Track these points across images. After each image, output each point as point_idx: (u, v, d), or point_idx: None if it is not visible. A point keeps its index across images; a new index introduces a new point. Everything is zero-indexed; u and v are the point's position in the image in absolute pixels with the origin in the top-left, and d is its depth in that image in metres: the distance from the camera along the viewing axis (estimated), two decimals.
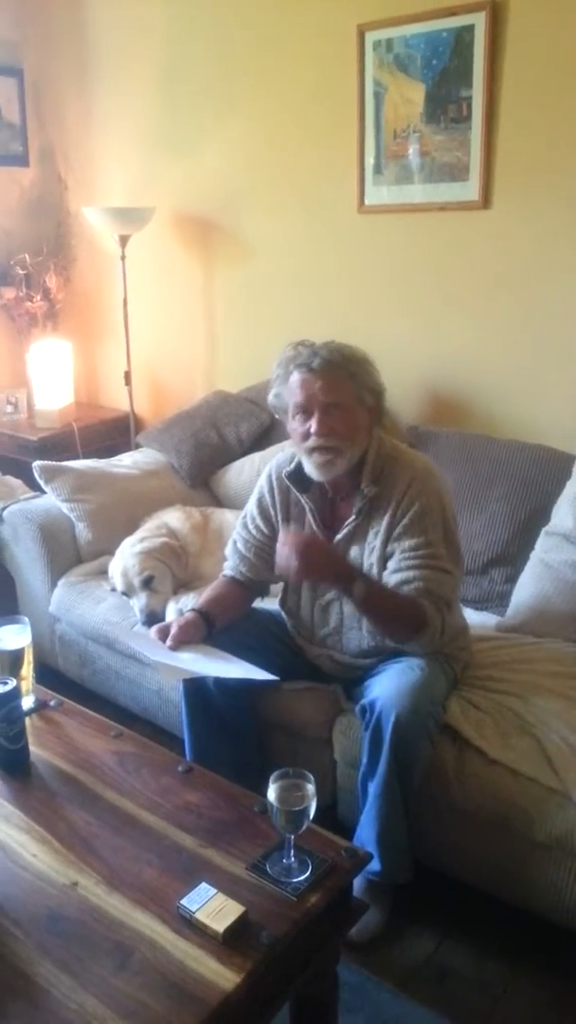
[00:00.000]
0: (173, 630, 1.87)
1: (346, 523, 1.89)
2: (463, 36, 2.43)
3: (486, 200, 2.51)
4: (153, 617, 2.33)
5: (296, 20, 2.80)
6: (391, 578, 1.81)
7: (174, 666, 1.84)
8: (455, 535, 1.88)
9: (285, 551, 1.74)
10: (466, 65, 2.44)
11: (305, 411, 1.82)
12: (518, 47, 2.36)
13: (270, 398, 1.93)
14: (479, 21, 2.38)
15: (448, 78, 2.49)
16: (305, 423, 1.82)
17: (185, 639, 1.88)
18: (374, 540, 1.85)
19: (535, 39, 2.33)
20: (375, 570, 1.85)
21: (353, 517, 1.87)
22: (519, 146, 2.43)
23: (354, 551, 1.90)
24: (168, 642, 1.86)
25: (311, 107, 2.84)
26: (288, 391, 1.85)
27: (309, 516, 1.95)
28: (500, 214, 2.51)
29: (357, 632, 1.93)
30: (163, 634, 1.89)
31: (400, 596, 1.78)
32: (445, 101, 2.52)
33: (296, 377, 1.82)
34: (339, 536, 1.91)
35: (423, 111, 2.57)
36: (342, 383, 1.80)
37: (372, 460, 1.86)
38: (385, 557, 1.84)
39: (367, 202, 2.78)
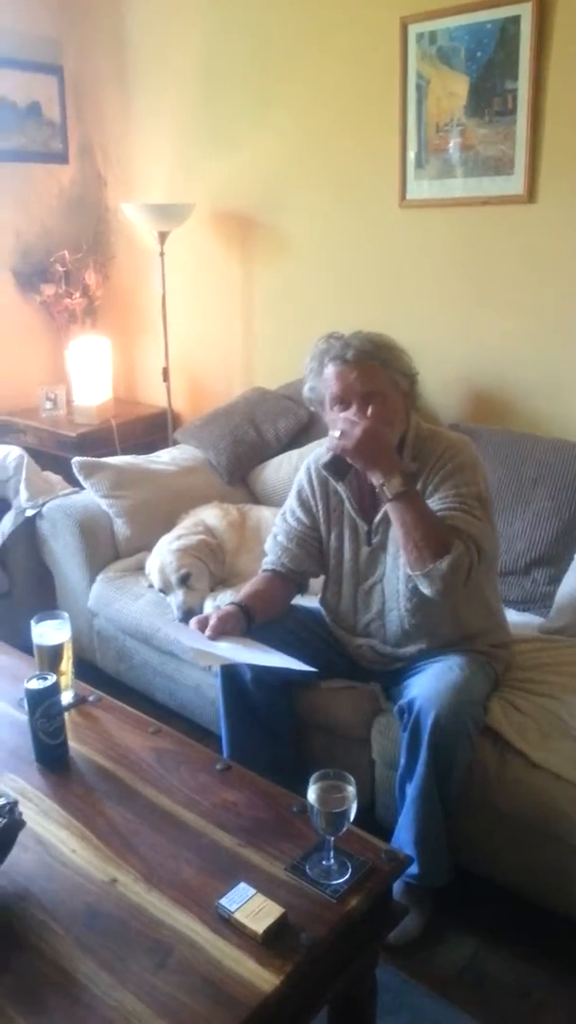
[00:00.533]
0: (212, 620, 1.87)
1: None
2: (508, 28, 2.39)
3: (531, 194, 2.47)
4: (190, 614, 2.33)
5: (338, 12, 2.77)
6: None
7: (210, 652, 1.83)
8: (488, 500, 1.86)
9: (353, 421, 1.73)
10: (511, 57, 2.40)
11: (343, 402, 1.84)
12: (565, 38, 2.32)
13: (305, 391, 1.95)
14: (525, 12, 2.34)
15: (493, 71, 2.45)
16: (344, 413, 1.83)
17: (224, 630, 1.87)
18: None
19: None
20: None
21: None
22: (566, 139, 2.38)
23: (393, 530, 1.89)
24: (207, 632, 1.86)
25: (352, 100, 2.82)
26: (324, 383, 1.87)
27: (347, 503, 1.96)
28: (545, 208, 2.47)
29: (398, 613, 1.92)
30: (202, 625, 1.89)
31: (434, 514, 1.76)
32: (489, 94, 2.48)
33: (331, 369, 1.85)
34: (378, 517, 1.91)
35: (466, 104, 2.53)
36: (376, 371, 1.83)
37: (411, 442, 1.88)
38: None
39: (408, 196, 2.75)
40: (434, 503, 1.80)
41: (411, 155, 2.69)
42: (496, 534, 1.94)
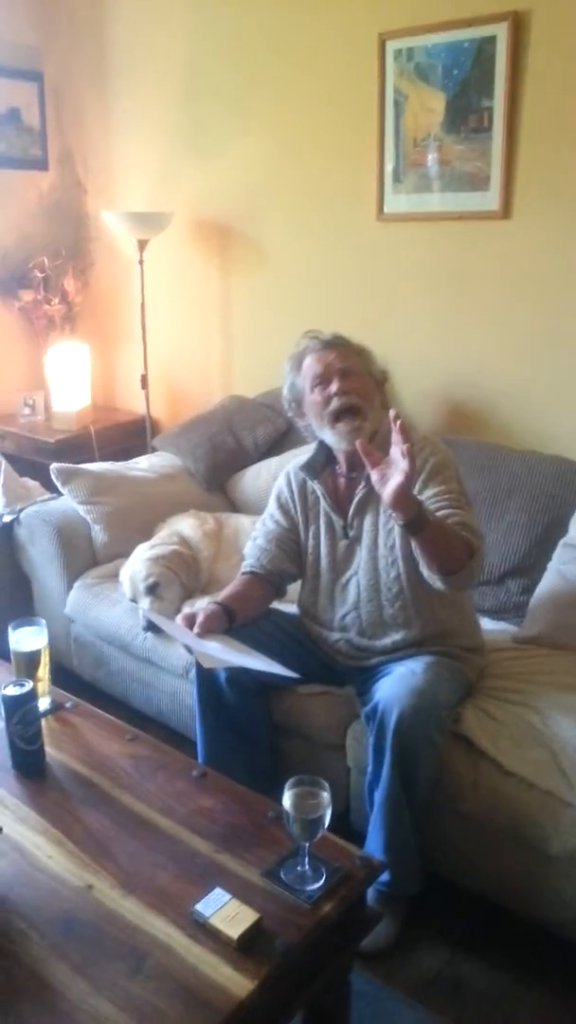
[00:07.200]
0: (200, 618, 1.89)
1: (356, 491, 1.95)
2: (485, 46, 2.43)
3: (506, 210, 2.51)
4: (153, 624, 2.32)
5: (317, 28, 2.81)
6: None
7: (206, 652, 1.84)
8: (469, 494, 1.94)
9: (403, 465, 1.62)
10: (487, 75, 2.44)
11: (324, 380, 1.94)
12: (540, 58, 2.36)
13: (284, 392, 2.02)
14: (501, 32, 2.38)
15: (469, 88, 2.49)
16: (325, 391, 1.92)
17: (210, 628, 1.89)
18: None
19: (558, 50, 2.33)
20: (394, 535, 1.89)
21: (363, 484, 1.90)
22: (540, 157, 2.43)
23: (368, 521, 1.94)
24: (196, 629, 1.87)
25: (331, 114, 2.85)
26: (303, 375, 1.98)
27: (323, 501, 2.02)
28: (520, 224, 2.51)
29: (376, 603, 1.95)
30: (189, 622, 1.90)
31: (448, 524, 1.77)
32: (466, 111, 2.52)
33: (310, 358, 1.97)
34: (351, 509, 1.96)
35: (443, 120, 2.57)
36: (352, 355, 1.98)
37: (383, 432, 1.93)
38: None
39: (386, 210, 2.78)
40: (427, 502, 1.82)
41: (388, 169, 2.73)
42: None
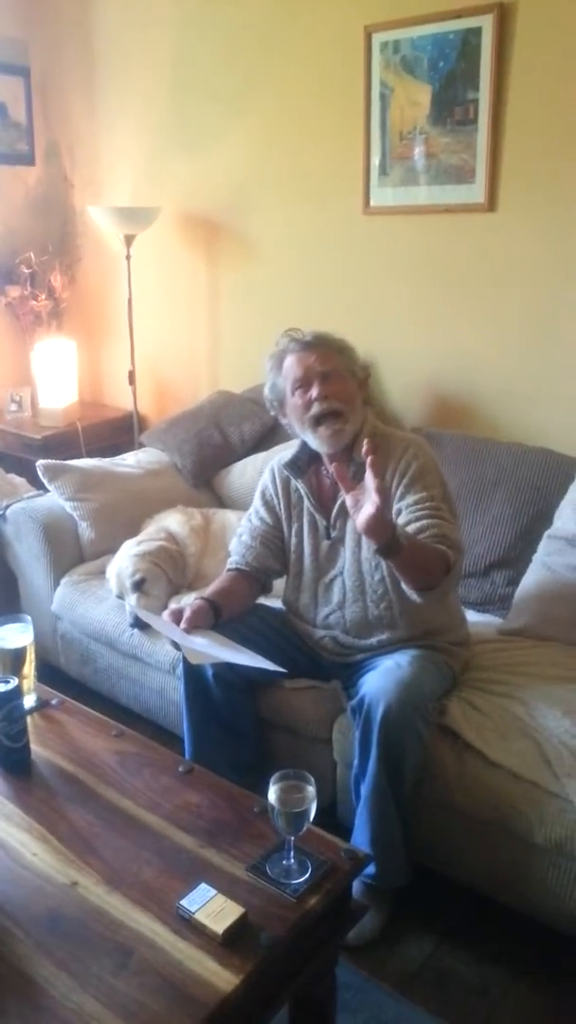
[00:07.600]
0: (187, 614, 1.88)
1: (340, 494, 1.91)
2: (470, 38, 2.42)
3: (492, 203, 2.51)
4: (141, 620, 2.32)
5: (303, 21, 2.80)
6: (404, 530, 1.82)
7: (193, 648, 1.83)
8: (452, 498, 1.94)
9: (374, 497, 1.62)
10: (473, 67, 2.44)
11: (305, 384, 1.92)
12: (526, 50, 2.36)
13: (266, 392, 2.01)
14: (487, 23, 2.38)
15: (455, 80, 2.49)
16: (306, 395, 1.91)
17: (197, 624, 1.88)
18: None
19: (543, 42, 2.33)
20: None
21: None
22: (526, 149, 2.43)
23: (351, 522, 1.91)
24: (182, 625, 1.86)
25: (317, 108, 2.84)
26: (284, 376, 1.95)
27: (306, 500, 2.01)
28: (506, 217, 2.51)
29: (361, 604, 1.95)
30: (176, 617, 1.89)
31: (426, 543, 1.76)
32: (451, 103, 2.51)
33: (290, 359, 1.94)
34: (335, 510, 1.96)
35: (429, 113, 2.57)
36: (333, 355, 1.94)
37: (366, 433, 1.93)
38: None
39: (372, 203, 2.78)
40: (409, 510, 1.83)
41: (375, 162, 2.72)
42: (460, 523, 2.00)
